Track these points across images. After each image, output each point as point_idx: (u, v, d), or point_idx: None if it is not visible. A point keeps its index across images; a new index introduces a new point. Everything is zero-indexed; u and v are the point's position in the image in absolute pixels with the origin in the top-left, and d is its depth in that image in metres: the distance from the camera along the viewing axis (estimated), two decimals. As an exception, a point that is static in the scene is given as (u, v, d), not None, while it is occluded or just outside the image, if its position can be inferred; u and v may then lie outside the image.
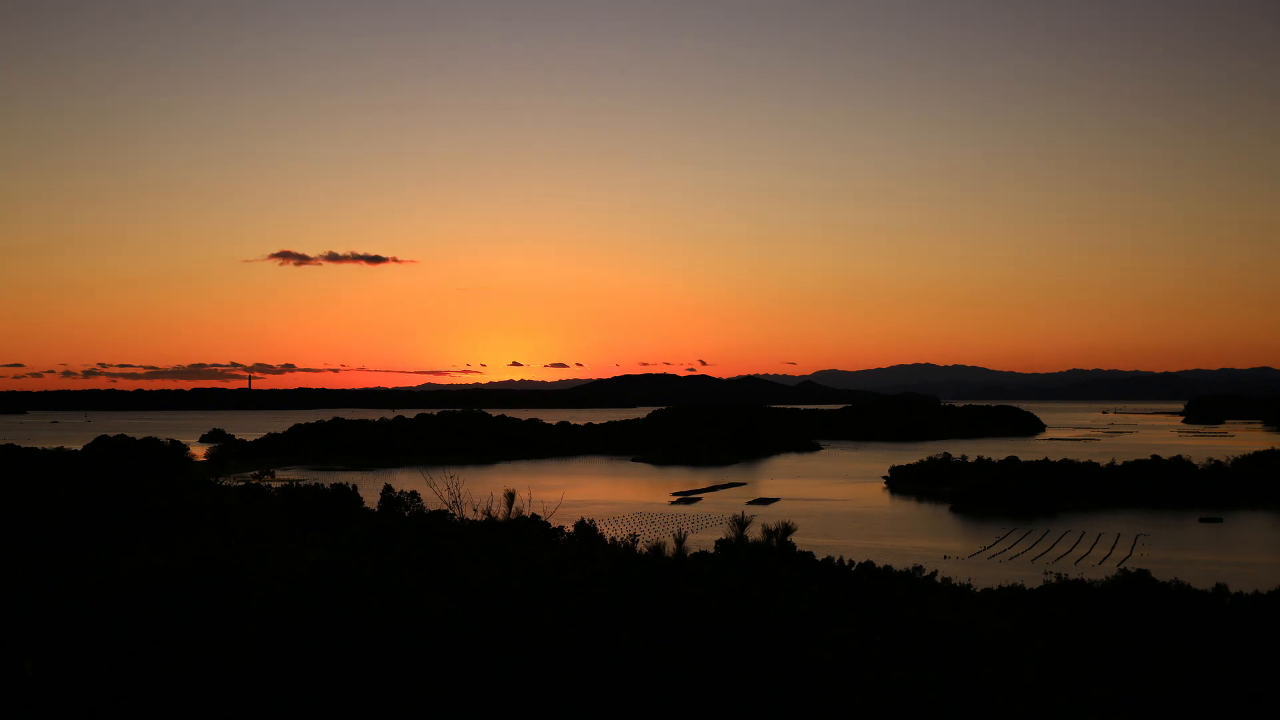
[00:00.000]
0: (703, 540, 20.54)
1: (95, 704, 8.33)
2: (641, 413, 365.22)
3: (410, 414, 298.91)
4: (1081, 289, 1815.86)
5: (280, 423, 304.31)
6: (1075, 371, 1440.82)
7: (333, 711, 8.28)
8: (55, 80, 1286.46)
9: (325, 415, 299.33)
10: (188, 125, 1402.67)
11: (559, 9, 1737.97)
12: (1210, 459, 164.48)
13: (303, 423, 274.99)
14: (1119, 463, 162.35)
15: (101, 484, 50.23)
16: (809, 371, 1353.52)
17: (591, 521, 49.62)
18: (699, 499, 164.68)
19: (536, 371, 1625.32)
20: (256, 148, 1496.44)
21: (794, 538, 13.86)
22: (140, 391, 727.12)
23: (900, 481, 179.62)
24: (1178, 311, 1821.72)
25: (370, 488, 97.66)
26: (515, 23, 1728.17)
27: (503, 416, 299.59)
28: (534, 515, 13.05)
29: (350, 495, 71.94)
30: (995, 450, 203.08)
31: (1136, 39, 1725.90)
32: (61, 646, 9.01)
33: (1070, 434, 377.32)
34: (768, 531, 13.14)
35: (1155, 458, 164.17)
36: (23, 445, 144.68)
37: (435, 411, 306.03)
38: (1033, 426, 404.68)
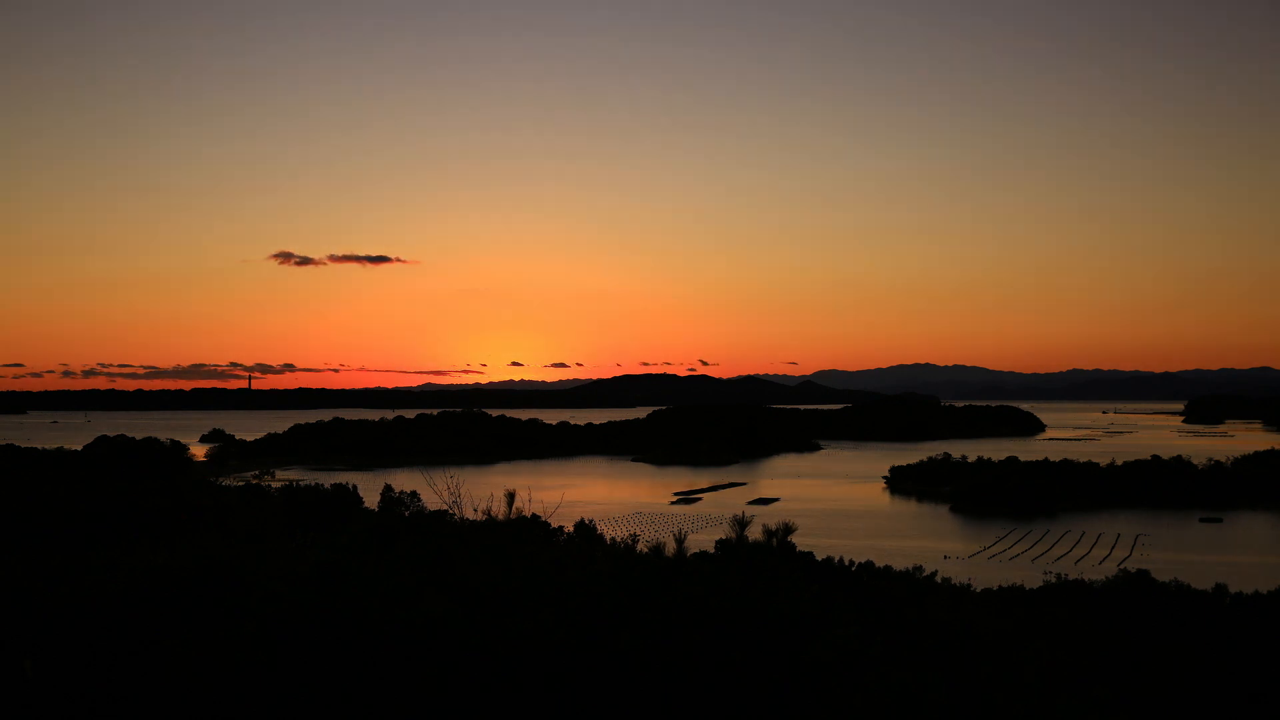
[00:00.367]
0: (703, 540, 20.53)
1: (95, 704, 8.32)
2: (641, 413, 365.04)
3: (410, 414, 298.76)
4: (1082, 289, 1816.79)
5: (280, 423, 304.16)
6: (1075, 371, 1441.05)
7: (333, 711, 8.27)
8: (53, 81, 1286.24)
9: (325, 415, 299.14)
10: (188, 125, 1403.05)
11: (560, 10, 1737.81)
12: (1210, 459, 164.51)
13: (303, 423, 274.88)
14: (1119, 463, 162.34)
15: (101, 484, 50.20)
16: (809, 371, 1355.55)
17: (591, 521, 49.59)
18: (699, 499, 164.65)
19: (537, 371, 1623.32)
20: (257, 148, 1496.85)
21: (794, 538, 13.83)
22: (140, 391, 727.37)
23: (900, 481, 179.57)
24: (1178, 312, 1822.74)
25: (370, 488, 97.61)
26: (516, 23, 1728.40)
27: (503, 416, 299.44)
28: (534, 515, 13.04)
29: (350, 495, 71.89)
30: (995, 450, 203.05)
31: (1138, 37, 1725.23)
32: (61, 646, 9.01)
33: (1070, 434, 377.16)
34: (768, 531, 13.11)
35: (1155, 458, 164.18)
36: (23, 445, 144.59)
37: (435, 411, 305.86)
38: (1033, 426, 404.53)
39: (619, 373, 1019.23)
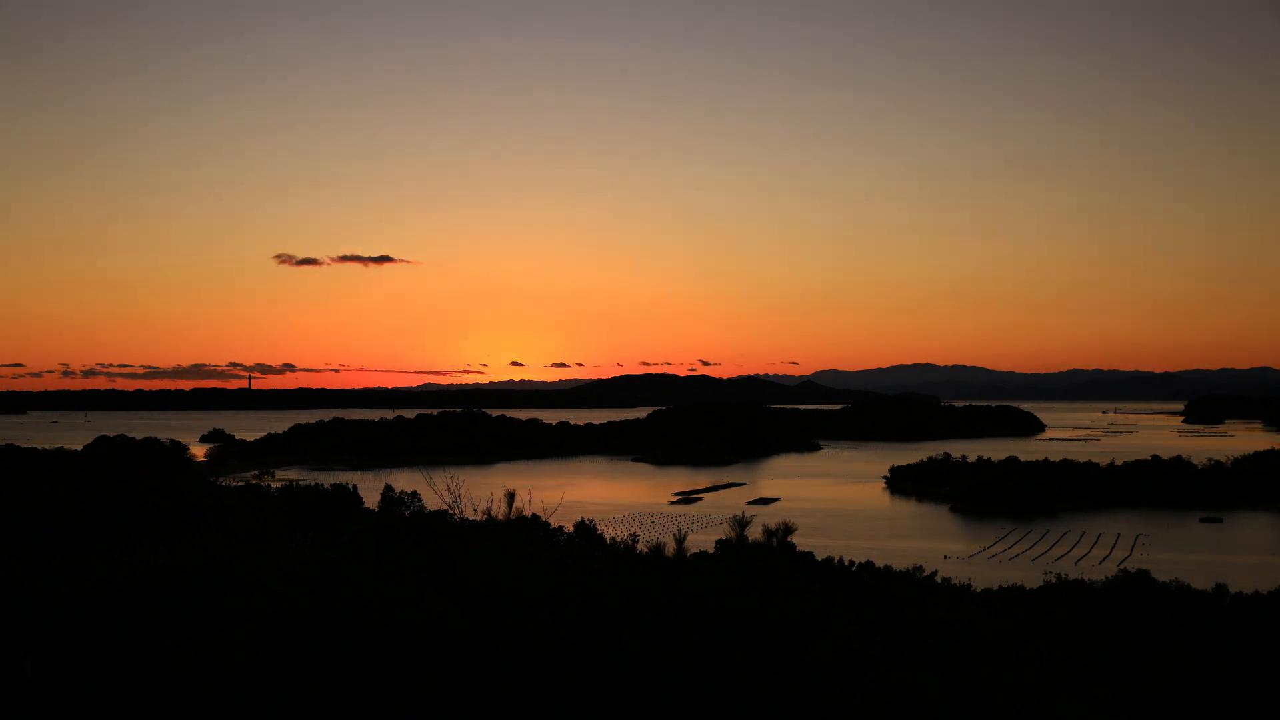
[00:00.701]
0: (703, 540, 20.53)
1: (95, 704, 8.32)
2: (642, 413, 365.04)
3: (410, 414, 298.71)
4: (1081, 289, 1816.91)
5: (280, 423, 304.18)
6: (1075, 371, 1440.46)
7: (333, 711, 8.27)
8: (53, 80, 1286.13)
9: (325, 415, 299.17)
10: (188, 125, 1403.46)
11: (560, 9, 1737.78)
12: (1210, 459, 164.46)
13: (303, 423, 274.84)
14: (1119, 463, 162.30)
15: (101, 484, 50.17)
16: (809, 371, 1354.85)
17: (591, 521, 49.56)
18: (699, 499, 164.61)
19: (537, 371, 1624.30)
20: (257, 148, 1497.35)
21: (794, 538, 13.84)
22: (140, 391, 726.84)
23: (900, 481, 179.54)
24: (1178, 311, 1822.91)
25: (370, 488, 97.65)
26: (516, 23, 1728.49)
27: (503, 416, 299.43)
28: (534, 515, 13.04)
29: (350, 495, 71.86)
30: (995, 450, 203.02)
31: (1138, 37, 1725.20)
32: (61, 646, 9.00)
33: (1070, 434, 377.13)
34: (768, 531, 13.11)
35: (1155, 458, 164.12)
36: (23, 445, 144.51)
37: (435, 411, 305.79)
38: (1033, 426, 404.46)
39: (619, 373, 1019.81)
